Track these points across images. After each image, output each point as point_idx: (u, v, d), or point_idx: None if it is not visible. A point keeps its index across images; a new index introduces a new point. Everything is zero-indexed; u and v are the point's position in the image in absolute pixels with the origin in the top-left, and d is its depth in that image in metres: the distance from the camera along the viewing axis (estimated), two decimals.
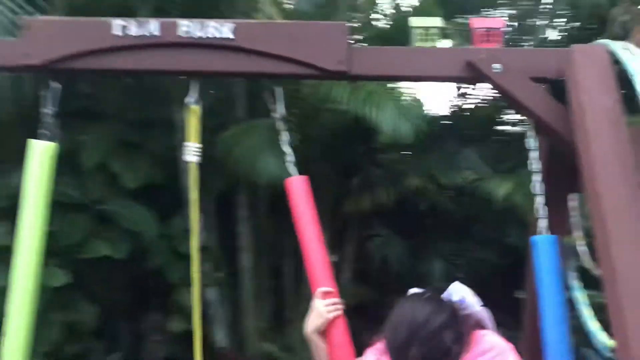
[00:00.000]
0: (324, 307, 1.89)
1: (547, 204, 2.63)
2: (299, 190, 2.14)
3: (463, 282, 4.24)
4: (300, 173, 2.20)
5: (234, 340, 5.20)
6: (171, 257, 4.71)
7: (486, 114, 4.57)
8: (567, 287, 2.82)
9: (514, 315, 3.42)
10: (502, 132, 4.71)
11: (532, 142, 2.40)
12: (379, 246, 4.39)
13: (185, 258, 4.96)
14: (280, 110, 2.36)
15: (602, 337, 2.56)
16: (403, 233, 4.20)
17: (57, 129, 2.28)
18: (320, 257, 2.00)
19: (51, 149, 2.19)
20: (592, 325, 2.61)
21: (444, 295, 1.74)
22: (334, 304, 1.90)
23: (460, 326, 1.63)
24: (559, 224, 2.69)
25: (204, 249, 5.07)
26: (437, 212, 4.31)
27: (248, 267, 5.24)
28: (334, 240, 5.14)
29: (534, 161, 2.38)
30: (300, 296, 5.29)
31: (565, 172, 2.63)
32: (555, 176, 2.60)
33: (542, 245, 2.24)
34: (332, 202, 4.79)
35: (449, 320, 1.63)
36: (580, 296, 2.72)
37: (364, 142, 4.27)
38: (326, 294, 1.92)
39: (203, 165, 5.20)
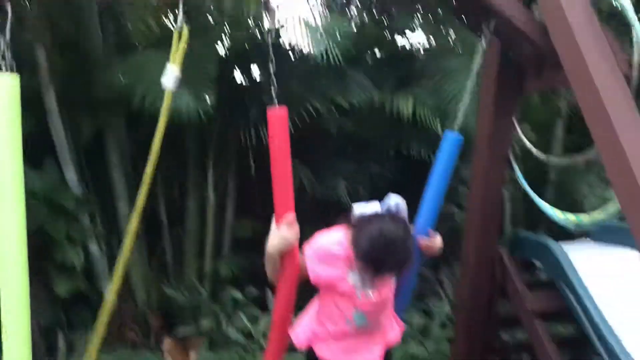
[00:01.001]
0: (289, 234, 2.08)
1: (496, 105, 2.87)
2: (279, 121, 2.15)
3: (365, 198, 4.51)
4: None
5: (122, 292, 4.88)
6: (50, 212, 4.22)
7: (374, 34, 4.69)
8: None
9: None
10: (395, 50, 4.86)
11: (483, 44, 2.58)
12: None
13: (65, 212, 4.51)
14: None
15: (556, 213, 2.98)
16: (304, 157, 4.22)
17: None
18: (287, 188, 2.12)
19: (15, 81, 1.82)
20: (546, 207, 3.02)
21: (383, 204, 2.17)
22: (296, 231, 2.09)
23: (410, 232, 2.09)
24: (504, 127, 2.98)
25: (82, 202, 4.63)
26: (338, 134, 4.40)
27: (126, 216, 4.87)
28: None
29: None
30: (179, 242, 5.11)
31: (514, 77, 2.91)
32: (504, 80, 2.84)
33: (450, 140, 2.53)
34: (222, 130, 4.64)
35: (407, 231, 2.08)
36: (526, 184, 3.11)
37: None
38: (292, 222, 2.09)
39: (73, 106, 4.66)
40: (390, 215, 2.12)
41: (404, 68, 4.55)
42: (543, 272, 3.31)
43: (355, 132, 4.42)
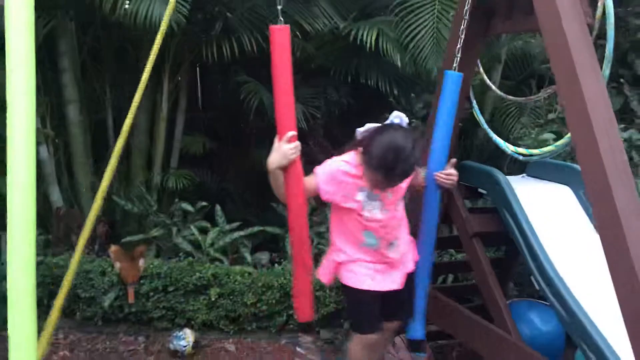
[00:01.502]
0: (289, 150, 2.23)
1: (465, 44, 3.06)
2: (281, 39, 2.22)
3: (320, 121, 4.73)
4: None
5: (69, 198, 4.89)
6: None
7: None
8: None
9: None
10: None
11: None
12: (246, 94, 4.42)
13: None
14: None
15: (509, 147, 3.29)
16: (265, 80, 4.30)
17: None
18: (288, 105, 2.25)
19: None
20: (499, 140, 3.32)
21: (389, 120, 2.43)
22: (296, 146, 2.26)
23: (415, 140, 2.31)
24: (470, 66, 3.19)
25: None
26: (299, 59, 4.48)
27: (75, 121, 4.82)
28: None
29: None
30: (128, 153, 5.11)
31: (484, 18, 3.10)
32: (474, 21, 3.03)
33: (451, 79, 2.72)
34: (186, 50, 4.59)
35: (413, 141, 2.30)
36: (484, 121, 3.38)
37: None
38: (291, 138, 2.24)
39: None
40: (398, 126, 2.36)
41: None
42: (486, 200, 3.67)
43: (316, 58, 4.53)
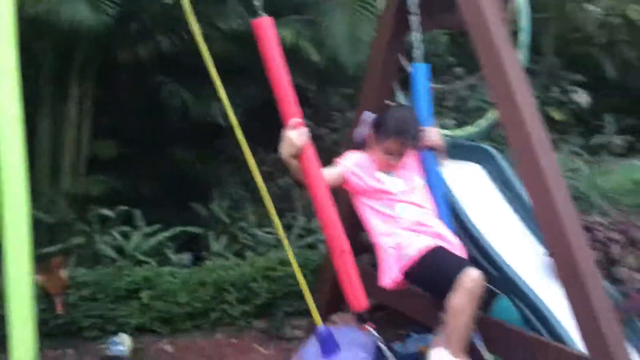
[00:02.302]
0: (296, 137, 2.25)
1: (391, 40, 3.38)
2: (266, 31, 2.30)
3: (241, 118, 4.90)
4: None
5: None
6: None
7: None
8: None
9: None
10: None
11: None
12: (165, 94, 4.41)
13: None
14: None
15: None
16: (184, 81, 4.34)
17: None
18: (288, 92, 2.30)
19: None
20: None
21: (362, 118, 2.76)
22: (303, 133, 2.27)
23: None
24: (394, 60, 3.50)
25: None
26: (219, 58, 4.54)
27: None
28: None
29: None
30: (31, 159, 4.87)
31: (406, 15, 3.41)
32: (400, 19, 3.34)
33: (420, 70, 3.02)
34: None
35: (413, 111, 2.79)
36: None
37: None
38: (297, 125, 2.26)
39: None
40: (395, 105, 2.89)
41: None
42: None
43: (235, 56, 4.64)
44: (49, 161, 4.88)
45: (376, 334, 2.37)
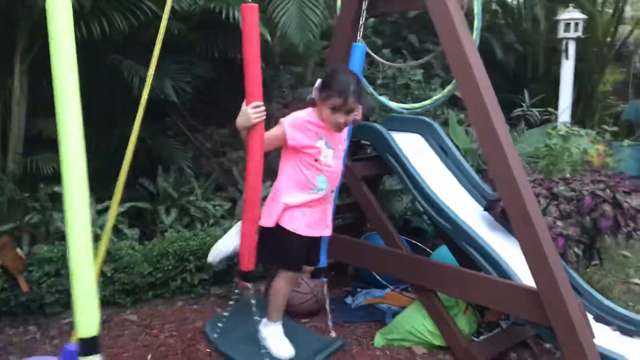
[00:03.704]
0: (253, 114, 2.56)
1: (352, 23, 3.75)
2: (252, 17, 2.53)
3: (189, 94, 5.19)
4: None
5: None
6: None
7: None
8: None
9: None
10: None
11: None
12: (126, 72, 4.44)
13: None
14: None
15: (391, 103, 4.06)
16: (138, 58, 4.40)
17: None
18: (257, 74, 2.57)
19: None
20: (383, 99, 4.07)
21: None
22: (260, 113, 2.59)
23: None
24: (354, 36, 3.87)
25: None
26: (168, 36, 4.64)
27: None
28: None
29: None
30: None
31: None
32: (360, 3, 3.71)
33: (358, 50, 3.43)
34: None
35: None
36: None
37: None
38: (256, 106, 2.57)
39: None
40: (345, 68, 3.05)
41: None
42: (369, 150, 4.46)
43: (185, 36, 4.76)
44: None
45: (252, 290, 2.71)
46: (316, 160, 2.81)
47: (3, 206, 4.54)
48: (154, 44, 4.85)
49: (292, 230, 2.79)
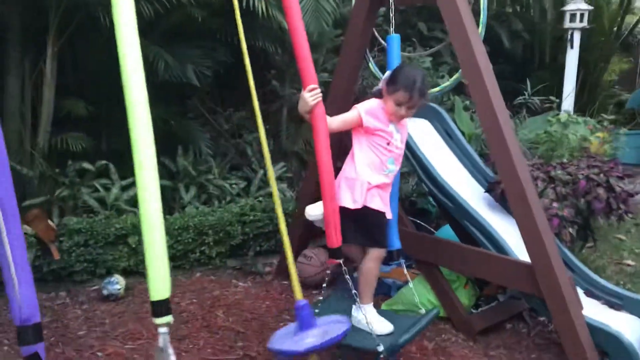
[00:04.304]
0: (309, 96, 2.78)
1: (367, 13, 3.98)
2: (296, 9, 2.75)
3: (209, 78, 5.46)
4: None
5: None
6: None
7: None
8: None
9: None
10: None
11: None
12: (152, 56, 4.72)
13: None
14: None
15: None
16: (164, 45, 4.67)
17: None
18: (308, 63, 2.77)
19: None
20: None
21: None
22: (316, 95, 2.80)
23: None
24: (368, 31, 4.11)
25: None
26: (190, 22, 4.92)
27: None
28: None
29: None
30: None
31: None
32: None
33: (394, 40, 3.68)
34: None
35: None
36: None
37: None
38: (312, 89, 2.79)
39: None
40: (411, 64, 3.20)
41: None
42: None
43: (205, 22, 5.02)
44: (17, 119, 5.04)
45: (343, 266, 2.89)
46: (388, 143, 3.07)
47: (35, 181, 4.85)
48: (175, 30, 5.15)
49: (377, 209, 3.04)
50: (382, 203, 3.09)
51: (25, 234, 4.37)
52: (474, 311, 4.17)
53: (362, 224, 3.03)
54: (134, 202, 5.01)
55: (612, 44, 10.72)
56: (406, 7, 6.93)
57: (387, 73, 3.16)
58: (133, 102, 1.94)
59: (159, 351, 1.86)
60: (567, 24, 8.61)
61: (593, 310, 3.62)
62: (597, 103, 9.21)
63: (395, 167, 3.14)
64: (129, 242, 4.61)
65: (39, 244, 4.40)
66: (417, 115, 4.70)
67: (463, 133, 4.98)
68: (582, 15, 8.49)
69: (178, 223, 4.79)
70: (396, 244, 3.42)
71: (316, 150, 2.82)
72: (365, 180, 3.03)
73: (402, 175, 5.87)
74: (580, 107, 9.24)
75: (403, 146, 3.19)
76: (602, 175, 4.14)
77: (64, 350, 3.67)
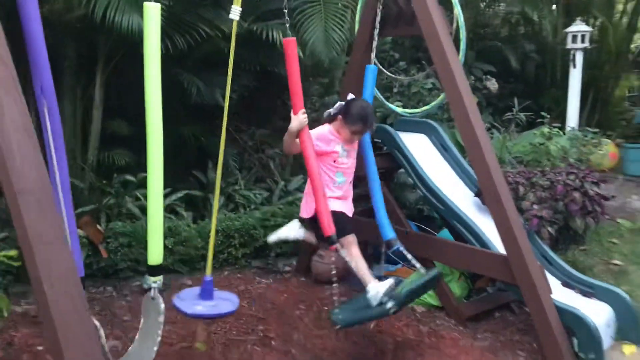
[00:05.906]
0: (303, 118, 3.53)
1: (368, 41, 4.65)
2: (292, 48, 3.50)
3: (235, 101, 6.22)
4: None
5: None
6: None
7: None
8: None
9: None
10: None
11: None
12: (185, 82, 5.49)
13: None
14: None
15: (398, 108, 4.97)
16: (195, 71, 5.41)
17: None
18: (300, 91, 3.54)
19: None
20: (389, 104, 4.97)
21: (348, 97, 3.94)
22: (305, 118, 3.54)
23: None
24: (368, 56, 4.77)
25: None
26: (218, 52, 5.65)
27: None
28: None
29: None
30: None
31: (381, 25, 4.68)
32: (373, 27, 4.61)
33: (370, 71, 4.34)
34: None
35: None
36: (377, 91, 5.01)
37: None
38: (302, 113, 3.53)
39: None
40: (357, 98, 3.92)
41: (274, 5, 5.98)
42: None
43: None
44: (69, 138, 5.82)
45: (343, 253, 3.51)
46: (335, 160, 3.77)
47: (85, 191, 5.61)
48: (206, 59, 5.87)
49: (337, 210, 3.68)
50: (342, 206, 3.76)
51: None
52: (465, 301, 4.73)
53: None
54: (170, 209, 5.73)
55: (621, 61, 11.18)
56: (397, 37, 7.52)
57: (338, 103, 3.81)
58: (150, 103, 2.88)
59: (149, 299, 2.63)
60: (569, 44, 9.14)
61: (567, 298, 4.14)
62: (602, 118, 9.67)
63: (344, 179, 3.81)
64: (165, 243, 5.30)
65: (90, 245, 5.13)
66: (416, 130, 5.37)
67: (459, 144, 5.57)
68: (583, 37, 9.02)
69: (209, 227, 5.47)
70: (390, 234, 4.06)
71: (306, 161, 3.52)
72: (309, 202, 3.73)
73: (409, 186, 6.49)
74: (593, 123, 9.69)
75: (350, 161, 3.84)
76: (577, 180, 4.69)
77: (113, 331, 4.35)
